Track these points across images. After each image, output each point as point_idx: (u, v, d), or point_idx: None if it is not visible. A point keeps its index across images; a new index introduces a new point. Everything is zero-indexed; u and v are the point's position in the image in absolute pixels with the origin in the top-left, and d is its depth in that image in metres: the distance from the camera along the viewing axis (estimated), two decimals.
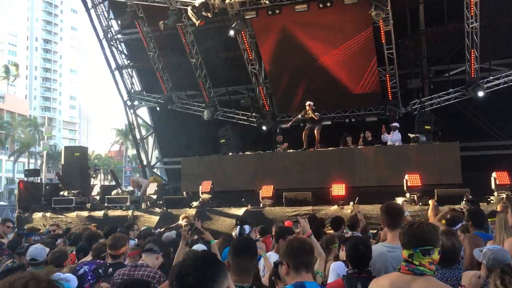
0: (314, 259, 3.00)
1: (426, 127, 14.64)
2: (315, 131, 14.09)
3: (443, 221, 5.57)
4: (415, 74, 16.16)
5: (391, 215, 3.83)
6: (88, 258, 5.10)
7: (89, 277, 3.29)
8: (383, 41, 14.61)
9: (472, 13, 13.93)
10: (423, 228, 2.69)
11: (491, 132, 15.79)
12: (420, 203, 11.55)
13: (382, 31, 14.39)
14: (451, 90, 15.55)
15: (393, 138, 14.35)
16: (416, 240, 2.65)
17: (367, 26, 14.55)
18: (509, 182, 11.43)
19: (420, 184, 11.79)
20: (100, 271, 3.42)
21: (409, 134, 14.26)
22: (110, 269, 4.08)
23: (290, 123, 14.98)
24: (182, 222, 10.11)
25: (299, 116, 14.26)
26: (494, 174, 11.54)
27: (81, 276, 3.32)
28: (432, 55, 16.15)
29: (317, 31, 14.94)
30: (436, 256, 2.65)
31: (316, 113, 13.91)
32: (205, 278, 1.77)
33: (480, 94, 14.62)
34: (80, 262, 4.66)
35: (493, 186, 11.49)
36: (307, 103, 13.87)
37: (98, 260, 4.38)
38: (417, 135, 14.21)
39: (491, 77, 15.11)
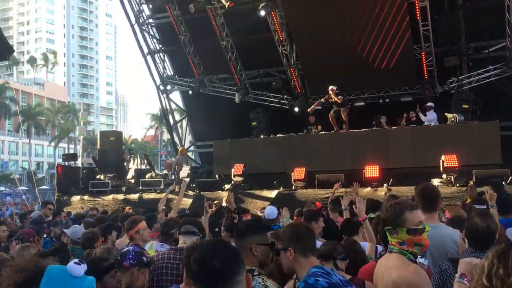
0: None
1: (464, 106, 14.16)
2: (342, 114, 13.86)
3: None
4: (453, 52, 15.56)
5: (426, 198, 3.73)
6: (126, 239, 5.22)
7: (130, 256, 3.32)
8: (418, 17, 14.11)
9: None
10: (386, 209, 2.75)
11: None
12: (458, 184, 11.25)
13: (417, 7, 13.90)
14: (490, 67, 14.91)
15: (428, 118, 13.96)
16: (383, 220, 2.74)
17: (401, 1, 14.07)
18: None
19: (457, 165, 11.47)
20: (144, 258, 3.44)
21: (446, 114, 13.83)
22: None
23: (312, 107, 14.64)
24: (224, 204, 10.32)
25: (322, 100, 14.02)
26: None
27: (123, 253, 3.36)
28: (470, 31, 15.49)
29: (348, 5, 14.57)
30: (404, 236, 2.62)
31: (339, 96, 13.65)
32: (232, 260, 1.74)
33: None
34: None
35: None
36: (330, 87, 13.60)
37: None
38: (455, 114, 13.77)
39: None
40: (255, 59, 17.39)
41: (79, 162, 23.54)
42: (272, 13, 15.47)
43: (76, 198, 14.85)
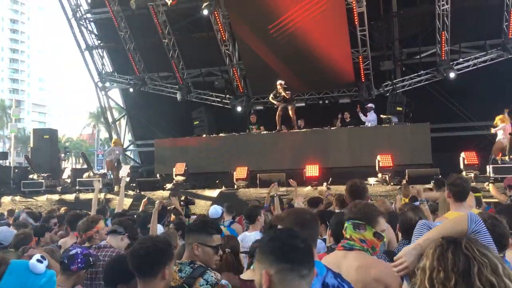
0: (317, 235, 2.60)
1: (398, 108, 14.86)
2: (290, 111, 14.11)
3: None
4: (388, 56, 16.31)
5: (353, 192, 4.02)
6: (71, 238, 5.07)
7: (79, 260, 3.23)
8: (356, 22, 14.65)
9: None
10: (362, 206, 2.79)
11: (460, 113, 16.11)
12: (392, 183, 11.79)
13: (355, 12, 14.41)
14: (422, 72, 15.77)
15: (368, 118, 14.57)
16: (353, 214, 2.74)
17: (340, 7, 14.53)
18: (477, 162, 11.77)
19: (392, 165, 12.02)
20: (91, 259, 3.36)
21: (381, 116, 14.48)
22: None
23: (276, 103, 14.64)
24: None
25: (271, 95, 14.22)
26: (462, 154, 11.85)
27: (71, 256, 3.26)
28: (404, 37, 16.30)
29: (290, 9, 14.84)
30: (369, 235, 2.68)
31: (287, 92, 13.90)
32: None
33: (451, 75, 14.86)
34: (74, 244, 4.59)
35: (461, 166, 11.82)
36: (278, 82, 13.85)
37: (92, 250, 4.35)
38: (389, 116, 14.44)
39: (461, 59, 15.37)
40: (197, 58, 17.32)
41: (9, 161, 22.31)
42: (215, 12, 15.47)
43: (7, 199, 14.09)
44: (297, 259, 1.66)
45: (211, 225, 3.05)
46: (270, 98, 14.37)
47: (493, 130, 12.20)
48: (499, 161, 11.72)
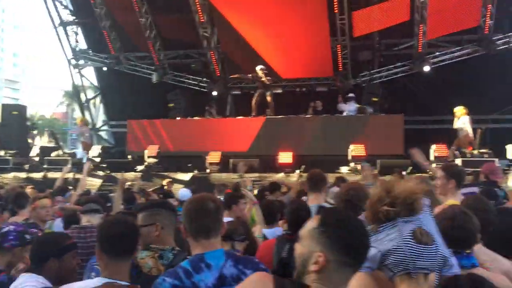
0: (220, 223, 2.36)
1: (374, 99, 14.95)
2: (268, 97, 14.04)
3: None
4: (366, 46, 16.31)
5: (311, 180, 4.29)
6: (20, 218, 4.90)
7: (12, 237, 3.10)
8: (336, 11, 14.58)
9: None
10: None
11: (433, 106, 16.30)
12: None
13: (335, 0, 14.33)
14: (399, 64, 15.85)
15: (349, 108, 14.63)
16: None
17: None
18: (446, 154, 11.95)
19: (364, 154, 12.10)
20: (28, 237, 3.22)
21: (356, 105, 14.54)
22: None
23: (236, 75, 14.59)
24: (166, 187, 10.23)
25: (249, 75, 14.09)
26: (433, 147, 12.02)
27: (3, 234, 3.12)
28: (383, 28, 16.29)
29: None
30: None
31: (268, 77, 13.82)
32: None
33: (426, 69, 15.00)
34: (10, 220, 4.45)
35: (432, 158, 11.98)
36: (259, 67, 13.77)
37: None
38: (364, 106, 14.52)
39: (437, 53, 15.50)
40: (175, 39, 17.02)
41: None
42: None
43: None
44: (362, 258, 1.64)
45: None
46: (237, 75, 14.21)
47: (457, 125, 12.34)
48: (468, 155, 11.92)
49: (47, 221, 4.65)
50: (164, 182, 10.86)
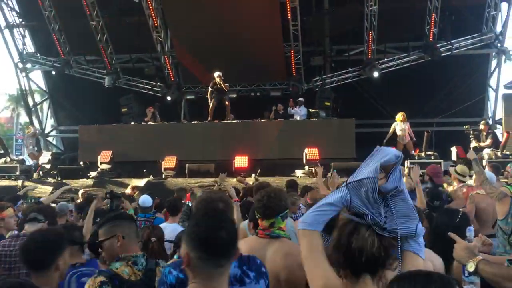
0: None
1: (326, 103, 15.34)
2: (225, 102, 14.10)
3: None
4: (318, 52, 16.71)
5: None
6: None
7: None
8: (289, 17, 14.87)
9: None
10: (279, 196, 2.94)
11: (382, 110, 16.93)
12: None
13: (288, 7, 14.61)
14: (350, 69, 16.33)
15: (299, 112, 14.95)
16: (278, 208, 2.87)
17: (274, 1, 14.68)
18: None
19: (318, 158, 12.39)
20: None
21: (309, 110, 14.88)
22: None
23: (209, 101, 14.44)
24: (130, 191, 10.01)
25: (209, 88, 14.09)
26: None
27: None
28: (334, 35, 16.77)
29: (225, 2, 14.79)
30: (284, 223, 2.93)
31: (226, 84, 13.89)
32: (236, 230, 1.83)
33: (375, 74, 15.54)
34: None
35: None
36: (216, 73, 13.75)
37: None
38: (317, 110, 14.88)
39: (385, 59, 16.09)
40: (127, 43, 16.74)
41: None
42: None
43: None
44: (217, 251, 1.78)
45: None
46: (209, 93, 14.19)
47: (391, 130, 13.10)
48: (416, 157, 12.46)
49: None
50: (129, 188, 10.66)
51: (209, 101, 14.10)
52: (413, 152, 12.86)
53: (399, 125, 13.13)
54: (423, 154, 12.70)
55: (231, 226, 1.86)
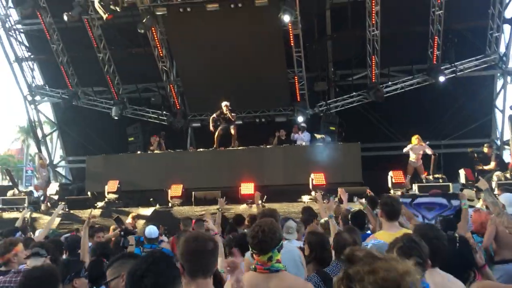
0: (215, 262, 2.50)
1: (331, 128, 15.35)
2: (232, 130, 14.11)
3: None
4: (322, 77, 16.82)
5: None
6: None
7: None
8: (292, 43, 15.04)
9: (373, 21, 14.80)
10: (273, 229, 2.90)
11: (389, 133, 16.90)
12: (325, 201, 12.05)
13: (291, 34, 14.80)
14: (354, 93, 16.39)
15: (303, 138, 14.96)
16: (273, 242, 2.86)
17: (277, 28, 14.88)
18: (403, 181, 12.35)
19: (324, 183, 12.33)
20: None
21: (315, 134, 14.88)
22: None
23: (211, 127, 14.47)
24: (130, 221, 10.03)
25: (214, 115, 14.13)
26: (390, 173, 12.40)
27: None
28: (337, 60, 16.92)
29: (228, 30, 15.01)
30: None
31: (233, 114, 13.91)
32: (161, 281, 1.78)
33: (380, 98, 15.56)
34: None
35: (389, 184, 12.35)
36: (224, 103, 13.74)
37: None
38: (323, 135, 14.87)
39: (390, 82, 16.13)
40: (134, 73, 17.03)
41: None
42: (152, 28, 15.32)
43: None
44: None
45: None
46: (211, 119, 14.18)
47: (404, 150, 12.99)
48: (424, 180, 12.36)
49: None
50: (130, 217, 10.69)
51: (211, 127, 14.07)
52: (423, 176, 12.75)
53: (414, 149, 12.90)
54: (431, 177, 12.61)
55: (163, 271, 1.83)
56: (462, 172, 12.48)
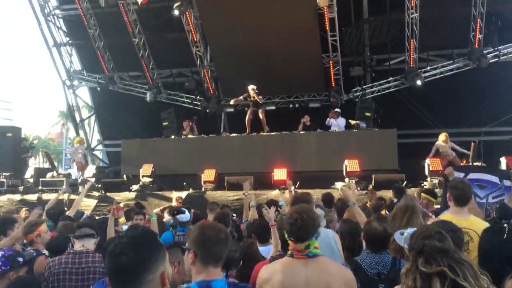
0: (226, 252, 2.52)
1: (367, 114, 15.01)
2: (260, 114, 14.08)
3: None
4: (358, 62, 16.49)
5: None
6: (4, 243, 4.87)
7: (1, 263, 3.09)
8: (327, 28, 14.75)
9: (412, 4, 14.33)
10: (311, 217, 2.87)
11: (426, 120, 16.43)
12: (359, 188, 11.87)
13: (326, 18, 14.51)
14: (391, 78, 15.99)
15: (339, 123, 14.67)
16: (313, 230, 2.84)
17: (312, 12, 14.60)
18: (441, 169, 11.97)
19: (359, 170, 12.11)
20: (20, 259, 3.22)
21: (350, 121, 14.60)
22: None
23: (232, 102, 14.72)
24: (175, 203, 10.23)
25: (241, 98, 14.13)
26: (427, 161, 12.05)
27: None
28: (374, 44, 16.51)
29: (262, 11, 14.82)
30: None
31: (260, 97, 13.88)
32: (139, 260, 1.68)
33: (418, 83, 15.12)
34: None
35: (426, 172, 12.02)
36: (250, 86, 13.76)
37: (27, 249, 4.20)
38: (358, 121, 14.58)
39: (428, 67, 15.64)
40: (168, 58, 17.15)
41: None
42: (187, 13, 15.32)
43: None
44: (113, 278, 1.74)
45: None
46: (235, 100, 14.28)
47: (432, 151, 12.59)
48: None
49: None
50: (174, 200, 10.90)
51: (231, 102, 14.56)
52: (461, 164, 12.34)
53: (442, 148, 12.53)
54: (470, 165, 12.19)
55: (142, 248, 1.72)
56: (503, 160, 12.01)
